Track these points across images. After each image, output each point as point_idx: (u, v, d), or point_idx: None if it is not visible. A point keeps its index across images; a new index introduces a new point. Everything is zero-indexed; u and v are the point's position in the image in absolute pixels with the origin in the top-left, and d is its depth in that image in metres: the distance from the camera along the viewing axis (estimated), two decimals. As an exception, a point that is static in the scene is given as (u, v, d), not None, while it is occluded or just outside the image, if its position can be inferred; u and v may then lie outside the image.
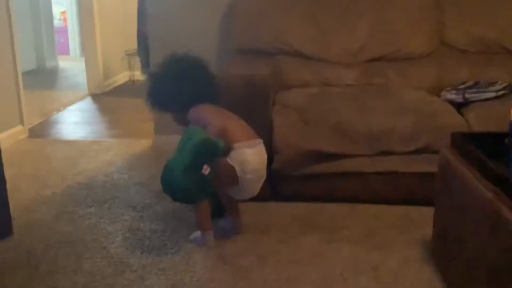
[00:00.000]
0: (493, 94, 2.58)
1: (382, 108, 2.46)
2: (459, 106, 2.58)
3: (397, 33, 2.91)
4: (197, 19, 3.23)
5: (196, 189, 1.93)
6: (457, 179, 1.72)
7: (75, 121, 4.30)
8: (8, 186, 2.22)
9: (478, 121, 2.42)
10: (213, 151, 1.92)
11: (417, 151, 2.39)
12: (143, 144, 3.50)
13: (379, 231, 2.24)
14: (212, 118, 2.06)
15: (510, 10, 2.90)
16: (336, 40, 2.94)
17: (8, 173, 2.25)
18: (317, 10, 2.94)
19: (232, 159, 1.99)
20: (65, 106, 4.73)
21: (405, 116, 2.40)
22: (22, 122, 3.71)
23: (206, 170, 1.90)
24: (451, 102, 2.62)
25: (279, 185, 2.49)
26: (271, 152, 2.41)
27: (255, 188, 2.06)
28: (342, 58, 2.94)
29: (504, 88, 2.59)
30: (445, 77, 2.89)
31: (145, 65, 5.45)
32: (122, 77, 5.97)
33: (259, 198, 2.47)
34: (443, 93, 2.73)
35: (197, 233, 2.13)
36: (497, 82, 2.67)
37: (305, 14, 2.94)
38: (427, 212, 2.20)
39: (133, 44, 5.47)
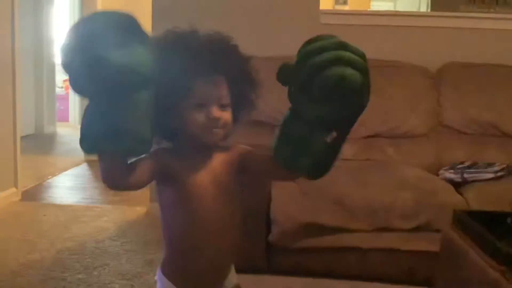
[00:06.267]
0: (491, 175, 2.59)
1: (382, 184, 2.45)
2: (457, 186, 2.58)
3: (396, 111, 2.96)
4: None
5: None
6: (461, 258, 1.68)
7: (70, 186, 4.25)
8: (-4, 248, 2.16)
9: (477, 201, 2.40)
10: None
11: (417, 229, 2.36)
12: (137, 211, 3.44)
13: (379, 311, 2.16)
14: None
15: (507, 94, 2.97)
16: (336, 116, 2.97)
17: (-3, 234, 2.19)
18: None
19: None
20: (60, 170, 4.70)
21: (406, 193, 2.39)
22: (16, 185, 3.66)
23: None
24: (449, 181, 2.62)
25: (276, 257, 2.43)
26: (268, 224, 2.37)
27: None
28: (341, 133, 2.96)
29: (502, 170, 2.61)
30: (443, 156, 2.91)
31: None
32: (119, 145, 5.99)
33: (255, 270, 2.41)
34: (441, 171, 2.73)
35: None
36: (495, 163, 2.69)
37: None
38: (428, 293, 2.15)
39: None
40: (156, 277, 1.22)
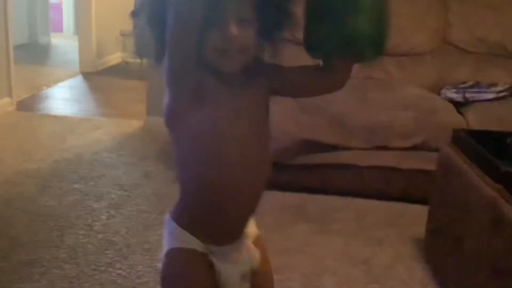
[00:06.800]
0: (493, 95, 2.55)
1: (382, 102, 2.42)
2: (459, 106, 2.55)
3: (400, 27, 2.85)
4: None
5: None
6: (458, 176, 1.67)
7: (65, 98, 4.20)
8: (-9, 156, 2.15)
9: (477, 121, 2.38)
10: None
11: (415, 148, 2.35)
12: (134, 124, 3.41)
13: (372, 226, 2.20)
14: None
15: (516, 12, 2.87)
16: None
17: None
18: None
19: None
20: (55, 82, 4.62)
21: (405, 112, 2.36)
22: (10, 95, 3.60)
23: None
24: (450, 100, 2.58)
25: (273, 173, 2.43)
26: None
27: None
28: (343, 49, 2.89)
29: (505, 90, 2.56)
30: (446, 75, 2.86)
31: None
32: (115, 58, 5.86)
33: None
34: (443, 91, 2.69)
35: None
36: (498, 83, 2.64)
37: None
38: (420, 210, 2.16)
39: (128, 25, 5.37)
40: (165, 221, 1.02)
